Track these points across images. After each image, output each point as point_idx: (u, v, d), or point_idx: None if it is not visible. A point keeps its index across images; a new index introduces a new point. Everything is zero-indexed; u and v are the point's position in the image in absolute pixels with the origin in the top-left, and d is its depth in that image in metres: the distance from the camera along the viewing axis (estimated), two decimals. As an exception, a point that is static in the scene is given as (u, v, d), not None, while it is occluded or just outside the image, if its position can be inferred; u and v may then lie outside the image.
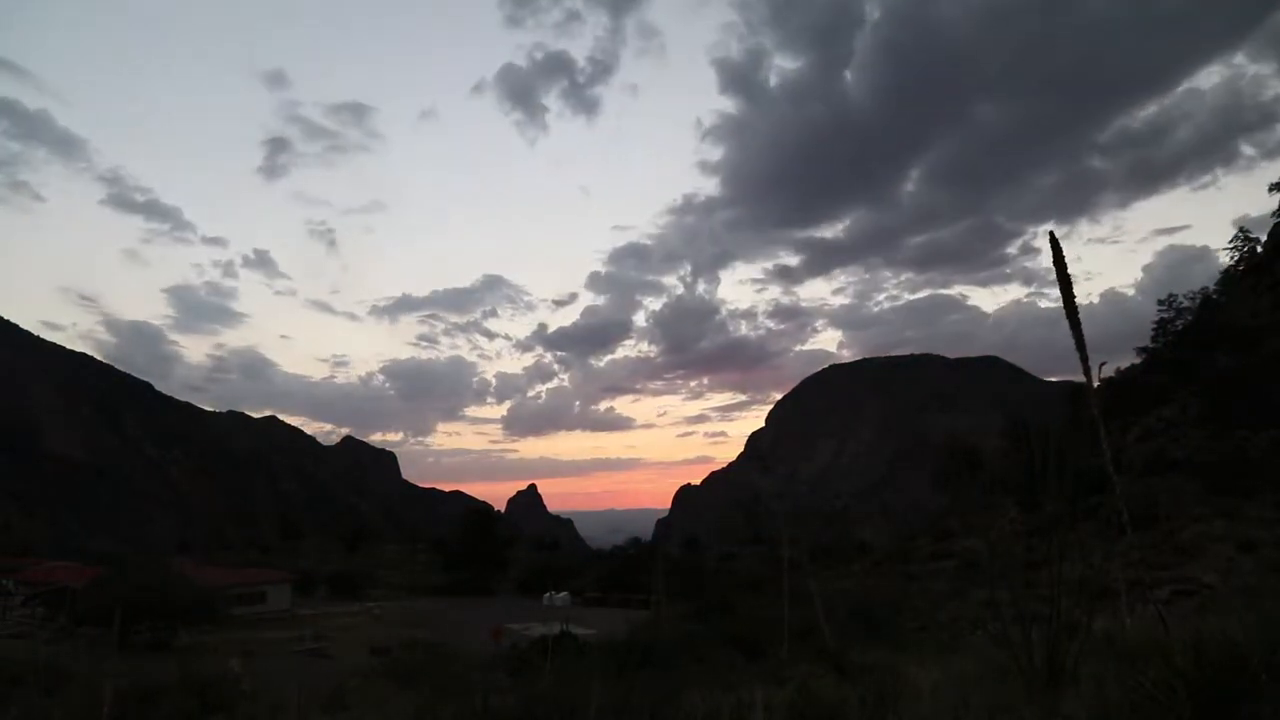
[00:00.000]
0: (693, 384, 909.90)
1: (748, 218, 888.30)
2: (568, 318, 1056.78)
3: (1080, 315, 3.85)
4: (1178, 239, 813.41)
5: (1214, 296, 57.09)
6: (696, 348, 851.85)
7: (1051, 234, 4.92)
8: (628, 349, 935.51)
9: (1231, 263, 58.05)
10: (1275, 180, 53.62)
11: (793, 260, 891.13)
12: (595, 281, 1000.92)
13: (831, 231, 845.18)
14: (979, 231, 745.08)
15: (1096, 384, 4.06)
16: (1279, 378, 37.32)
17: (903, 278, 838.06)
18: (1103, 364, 4.19)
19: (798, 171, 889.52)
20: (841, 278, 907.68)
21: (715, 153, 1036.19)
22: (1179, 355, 52.06)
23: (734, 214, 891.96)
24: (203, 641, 33.93)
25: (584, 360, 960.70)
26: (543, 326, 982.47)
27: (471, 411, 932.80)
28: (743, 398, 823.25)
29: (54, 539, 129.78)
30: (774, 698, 5.50)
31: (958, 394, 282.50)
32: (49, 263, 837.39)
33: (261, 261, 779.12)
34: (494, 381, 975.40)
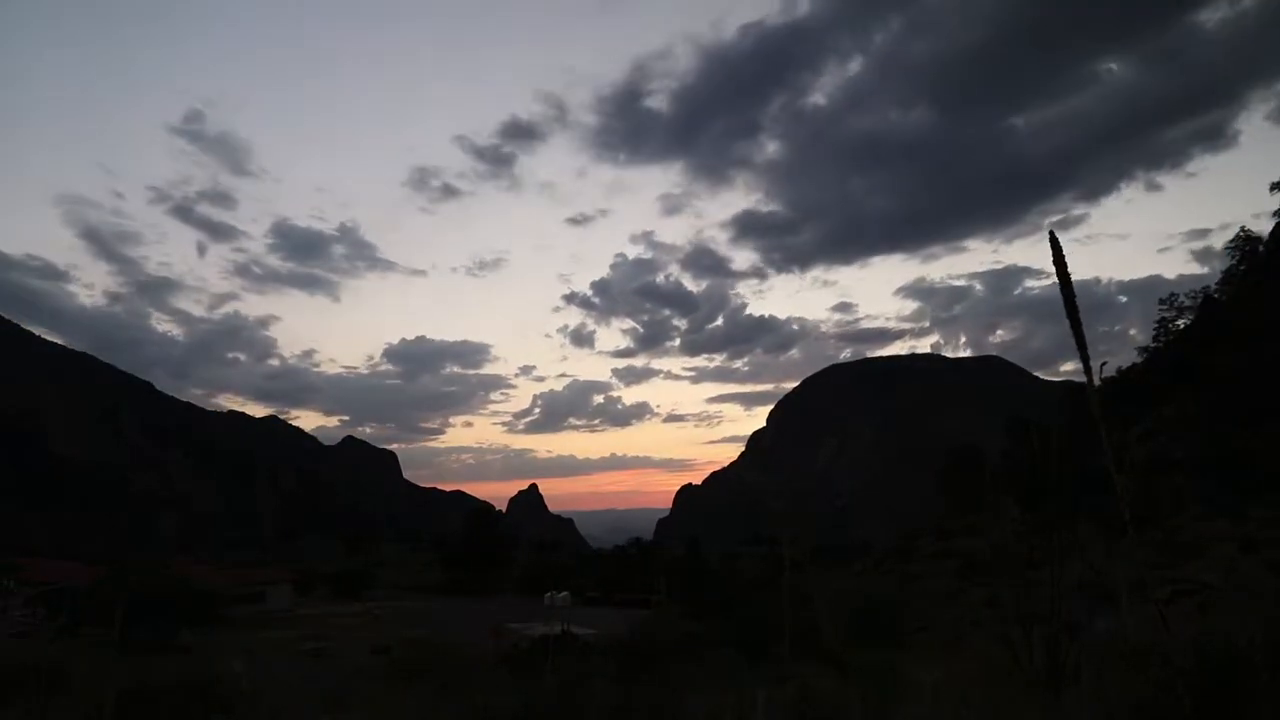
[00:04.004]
0: (712, 370, 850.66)
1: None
2: (590, 277, 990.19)
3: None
4: None
5: (1215, 295, 57.15)
6: (720, 329, 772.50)
7: (1051, 233, 4.91)
8: (641, 330, 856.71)
9: (1233, 262, 58.13)
10: (1276, 180, 53.63)
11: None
12: (621, 264, 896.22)
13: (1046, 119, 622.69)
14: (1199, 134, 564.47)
15: (1098, 383, 4.06)
16: (1280, 377, 37.30)
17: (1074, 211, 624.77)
18: (1104, 364, 4.19)
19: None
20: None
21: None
22: (1180, 354, 52.06)
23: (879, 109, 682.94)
24: (204, 642, 33.94)
25: (591, 348, 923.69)
26: (560, 301, 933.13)
27: (474, 409, 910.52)
28: (770, 388, 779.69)
29: (54, 539, 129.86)
30: (775, 697, 5.51)
31: (958, 394, 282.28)
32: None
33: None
34: (500, 373, 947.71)
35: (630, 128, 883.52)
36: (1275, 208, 54.09)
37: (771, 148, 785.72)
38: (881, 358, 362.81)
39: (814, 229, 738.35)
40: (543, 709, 6.27)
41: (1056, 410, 58.45)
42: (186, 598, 36.32)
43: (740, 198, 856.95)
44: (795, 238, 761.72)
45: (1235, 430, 37.37)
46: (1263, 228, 54.66)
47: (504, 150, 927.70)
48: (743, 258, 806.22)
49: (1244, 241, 57.86)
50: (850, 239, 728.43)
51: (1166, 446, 41.11)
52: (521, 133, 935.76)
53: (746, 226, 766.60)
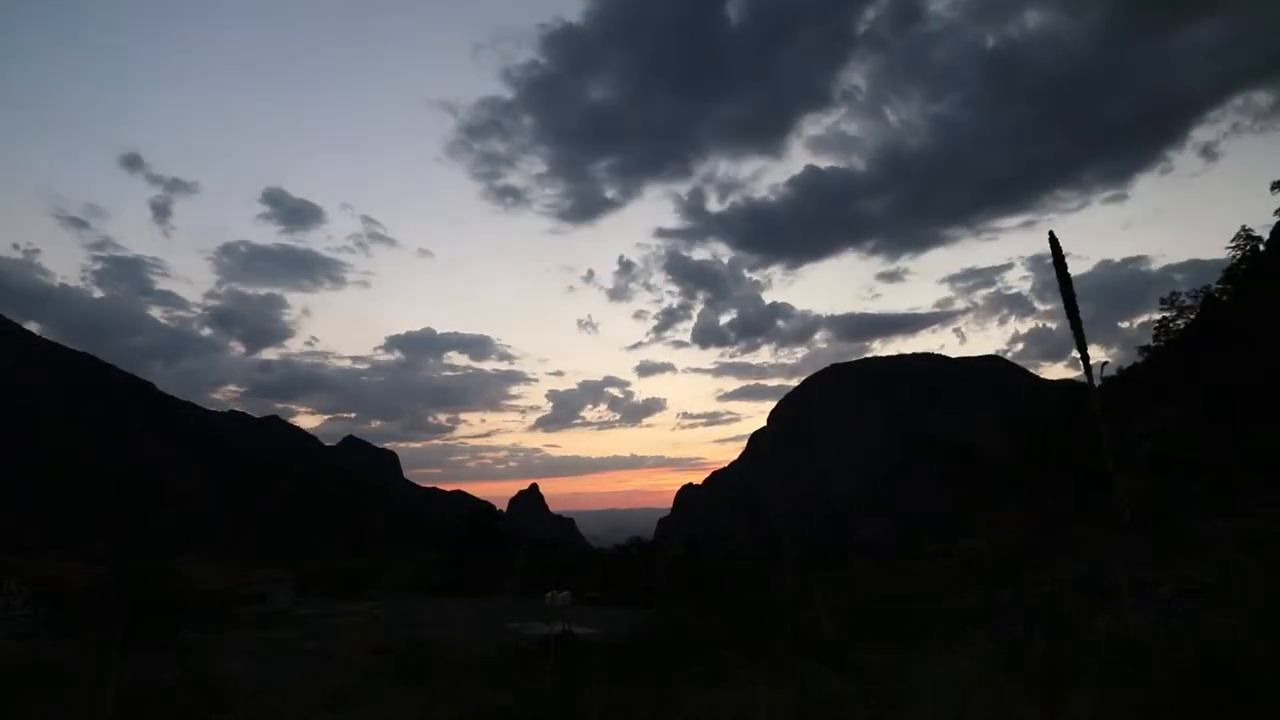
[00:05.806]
0: (731, 365, 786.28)
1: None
2: (606, 264, 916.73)
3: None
4: None
5: (1216, 295, 57.13)
6: (743, 320, 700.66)
7: (1051, 234, 4.92)
8: (660, 319, 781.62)
9: (1234, 261, 58.11)
10: (1275, 180, 53.58)
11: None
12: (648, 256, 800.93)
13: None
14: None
15: (1098, 383, 4.07)
16: (1280, 377, 37.28)
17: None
18: (1104, 364, 4.20)
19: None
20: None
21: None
22: (1181, 354, 52.06)
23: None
24: (204, 641, 33.97)
25: (602, 338, 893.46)
26: (578, 282, 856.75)
27: (477, 408, 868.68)
28: (794, 384, 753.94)
29: (54, 539, 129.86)
30: (776, 697, 5.51)
31: (958, 394, 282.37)
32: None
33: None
34: (511, 367, 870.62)
35: (688, 48, 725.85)
36: (1276, 207, 54.05)
37: (858, 76, 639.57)
38: (882, 357, 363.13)
39: (886, 198, 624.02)
40: (543, 709, 6.27)
41: (1057, 410, 58.43)
42: (187, 597, 36.33)
43: (804, 153, 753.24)
44: (862, 205, 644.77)
45: (1237, 428, 37.37)
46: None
47: (536, 69, 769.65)
48: (790, 232, 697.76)
49: (1244, 241, 57.86)
50: (919, 210, 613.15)
51: (1166, 446, 41.10)
52: (557, 43, 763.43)
53: (808, 189, 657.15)
